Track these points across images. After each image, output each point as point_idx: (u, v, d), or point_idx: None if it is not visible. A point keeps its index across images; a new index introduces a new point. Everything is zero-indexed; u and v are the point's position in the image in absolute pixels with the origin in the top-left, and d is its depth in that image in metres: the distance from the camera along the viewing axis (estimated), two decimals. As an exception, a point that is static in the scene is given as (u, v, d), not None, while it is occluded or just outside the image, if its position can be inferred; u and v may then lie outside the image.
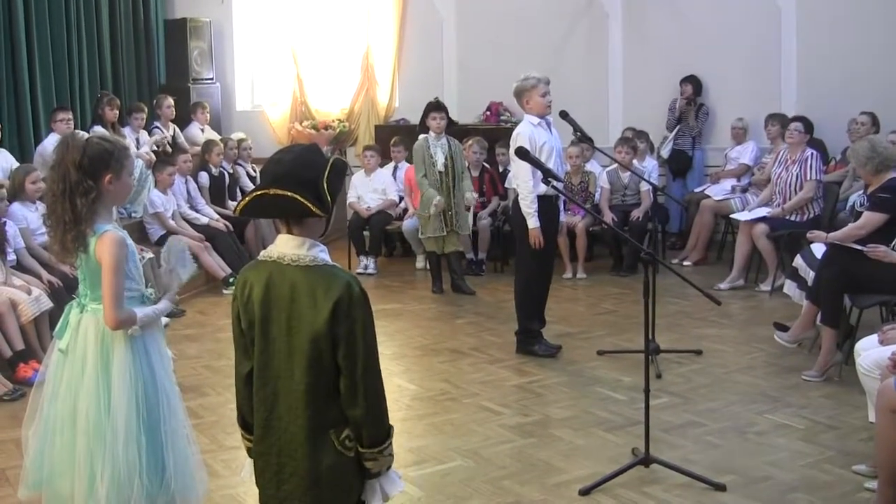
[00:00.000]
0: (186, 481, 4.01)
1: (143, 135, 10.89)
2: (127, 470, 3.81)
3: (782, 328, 7.31)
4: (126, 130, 10.65)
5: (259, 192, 3.09)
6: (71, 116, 9.84)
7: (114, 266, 3.80)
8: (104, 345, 3.88)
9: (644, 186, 10.41)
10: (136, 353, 3.90)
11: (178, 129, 11.67)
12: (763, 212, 9.70)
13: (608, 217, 10.24)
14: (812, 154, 9.33)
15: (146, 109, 11.06)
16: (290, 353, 3.11)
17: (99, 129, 9.85)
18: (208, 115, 12.16)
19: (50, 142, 9.41)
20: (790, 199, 9.34)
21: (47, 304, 7.24)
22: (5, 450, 5.57)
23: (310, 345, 3.06)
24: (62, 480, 3.92)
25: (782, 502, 4.85)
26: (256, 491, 3.34)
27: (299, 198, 3.02)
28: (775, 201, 9.57)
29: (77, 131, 6.09)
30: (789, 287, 7.69)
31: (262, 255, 3.21)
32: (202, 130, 11.92)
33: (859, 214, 6.95)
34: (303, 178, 3.06)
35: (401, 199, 11.06)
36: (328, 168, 3.09)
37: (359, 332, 3.07)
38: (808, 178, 9.22)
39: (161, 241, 9.45)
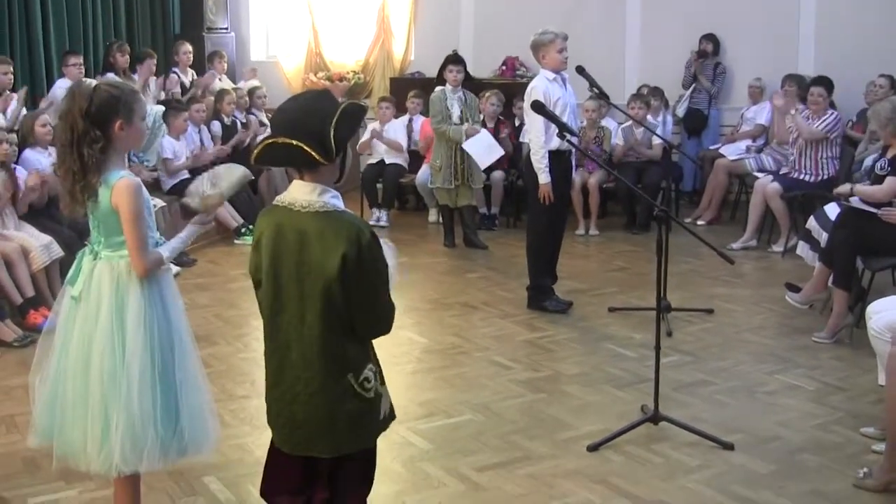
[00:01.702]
0: (199, 429, 3.97)
1: (152, 81, 10.81)
2: (142, 419, 3.76)
3: (794, 289, 7.29)
4: (136, 77, 10.58)
5: (269, 141, 3.11)
6: (82, 61, 9.80)
7: (134, 213, 3.74)
8: (119, 292, 3.82)
9: (656, 140, 10.38)
10: (152, 299, 3.85)
11: (195, 75, 11.61)
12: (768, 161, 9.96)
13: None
14: (833, 115, 9.20)
15: (156, 56, 10.97)
16: (301, 299, 3.11)
17: (110, 76, 9.80)
18: (226, 65, 12.08)
19: (60, 86, 9.38)
20: (807, 154, 9.25)
21: (58, 252, 7.22)
22: (15, 396, 5.58)
23: (322, 290, 3.06)
24: (74, 430, 3.86)
25: (790, 462, 4.85)
26: (265, 440, 3.33)
27: (304, 146, 3.02)
28: (791, 157, 9.56)
29: (85, 79, 6.01)
30: (802, 248, 7.67)
31: (277, 200, 3.22)
32: (219, 80, 11.84)
33: (878, 178, 6.87)
34: (308, 126, 3.05)
35: (415, 152, 11.02)
36: (337, 114, 3.07)
37: (370, 278, 3.07)
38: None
39: (173, 191, 9.42)
